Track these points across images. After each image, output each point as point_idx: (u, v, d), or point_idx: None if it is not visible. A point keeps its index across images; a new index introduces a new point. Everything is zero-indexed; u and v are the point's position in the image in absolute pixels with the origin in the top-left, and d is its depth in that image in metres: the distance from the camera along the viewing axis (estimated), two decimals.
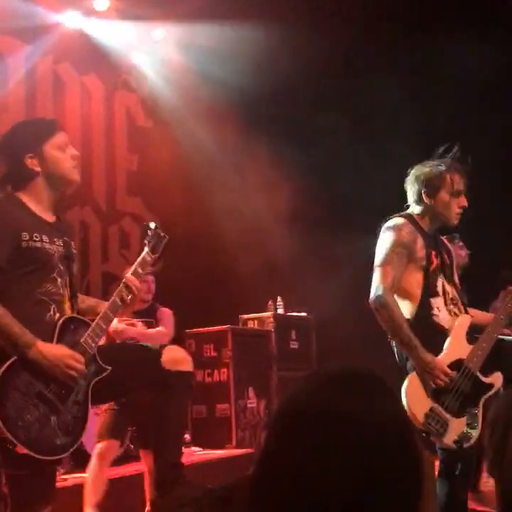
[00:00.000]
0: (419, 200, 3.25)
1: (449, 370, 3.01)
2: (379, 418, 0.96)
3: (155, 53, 8.29)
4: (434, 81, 7.35)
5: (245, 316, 7.11)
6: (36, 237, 2.66)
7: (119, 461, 5.56)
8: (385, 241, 3.17)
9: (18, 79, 6.90)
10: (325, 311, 7.26)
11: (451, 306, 3.19)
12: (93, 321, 2.75)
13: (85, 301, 3.02)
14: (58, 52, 7.29)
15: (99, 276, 7.43)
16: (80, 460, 5.30)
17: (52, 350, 2.54)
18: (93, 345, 2.68)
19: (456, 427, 3.01)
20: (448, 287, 3.22)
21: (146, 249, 2.95)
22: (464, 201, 3.23)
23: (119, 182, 7.90)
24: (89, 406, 2.69)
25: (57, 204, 2.86)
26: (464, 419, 3.04)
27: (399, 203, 3.39)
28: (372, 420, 0.95)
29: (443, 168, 3.21)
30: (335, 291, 7.29)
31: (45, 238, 2.69)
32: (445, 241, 3.43)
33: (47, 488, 2.65)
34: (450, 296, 3.20)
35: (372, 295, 3.10)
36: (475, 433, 3.06)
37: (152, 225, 3.04)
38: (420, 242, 3.17)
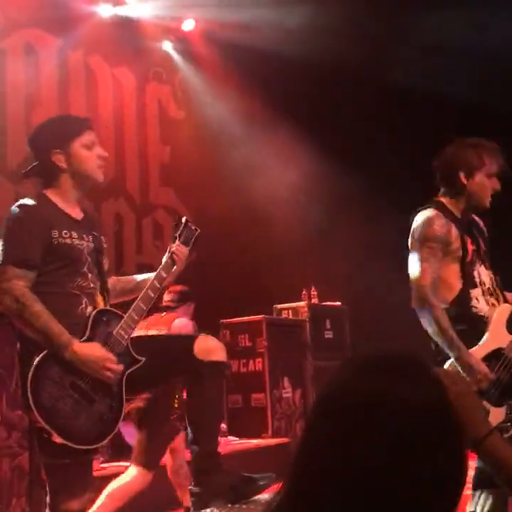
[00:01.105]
0: (453, 183, 3.18)
1: (490, 374, 2.97)
2: (422, 404, 0.94)
3: (185, 44, 8.30)
4: None
5: (280, 306, 7.11)
6: (66, 233, 2.70)
7: None
8: (418, 237, 3.11)
9: (50, 72, 6.96)
10: (359, 301, 7.23)
11: (488, 297, 3.14)
12: (125, 312, 2.76)
13: (118, 283, 3.04)
14: (89, 45, 7.33)
15: (133, 267, 7.47)
16: (119, 450, 5.37)
17: (88, 352, 2.56)
18: (126, 336, 2.69)
19: (495, 417, 2.98)
20: (484, 276, 3.16)
21: (177, 241, 2.96)
22: (496, 184, 3.16)
23: (152, 174, 7.93)
24: (124, 397, 2.69)
25: (83, 201, 2.91)
26: (502, 409, 3.01)
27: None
28: (415, 406, 0.93)
29: (479, 148, 3.14)
30: (369, 280, 7.25)
31: (74, 234, 2.72)
32: (478, 220, 3.34)
33: (84, 477, 2.68)
34: (487, 286, 3.15)
35: (414, 296, 3.05)
36: None
37: (183, 219, 3.06)
38: (454, 233, 3.10)
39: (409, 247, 3.14)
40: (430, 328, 3.00)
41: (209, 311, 6.78)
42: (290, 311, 7.08)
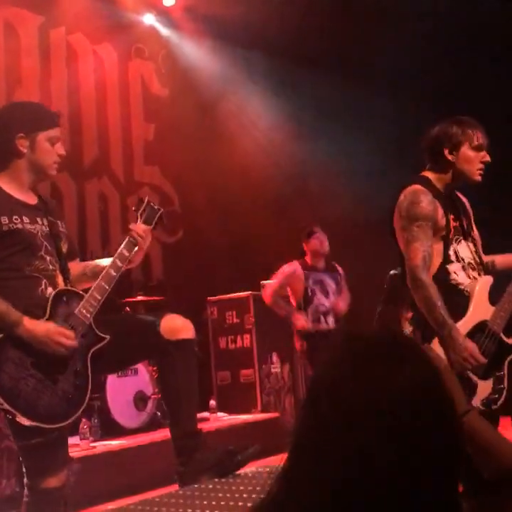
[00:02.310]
0: (439, 158, 3.19)
1: (480, 356, 2.99)
2: (421, 386, 0.94)
3: (167, 19, 8.21)
4: None
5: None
6: (16, 219, 2.72)
7: (146, 428, 5.66)
8: (406, 214, 3.11)
9: (30, 50, 6.87)
10: (348, 273, 7.25)
11: (470, 271, 3.16)
12: (87, 291, 2.80)
13: (87, 267, 3.05)
14: (70, 22, 7.24)
15: None
16: (109, 429, 5.42)
17: (39, 327, 2.59)
18: (88, 315, 2.72)
19: (483, 389, 3.01)
20: (466, 252, 3.17)
21: (138, 221, 2.98)
22: (486, 156, 3.17)
23: (136, 152, 7.89)
24: (89, 374, 2.73)
25: (36, 187, 2.92)
26: (490, 382, 3.04)
27: None
28: (414, 388, 0.94)
29: (461, 123, 3.15)
30: (358, 254, 7.26)
31: (25, 219, 2.74)
32: (462, 197, 3.35)
33: (57, 454, 2.72)
34: (467, 261, 3.16)
35: (407, 276, 3.06)
36: (501, 395, 3.06)
37: (146, 198, 3.09)
38: (440, 211, 3.11)
39: (395, 223, 3.14)
40: (424, 307, 3.02)
41: (196, 288, 6.83)
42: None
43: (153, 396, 5.78)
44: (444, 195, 3.16)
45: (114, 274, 2.82)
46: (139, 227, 2.94)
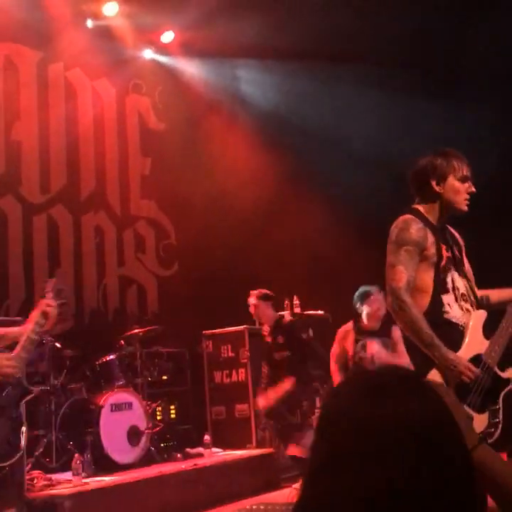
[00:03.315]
0: (426, 191, 3.23)
1: (473, 367, 2.99)
2: (432, 422, 0.95)
3: (164, 56, 8.34)
4: None
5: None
6: None
7: (140, 464, 5.60)
8: (395, 239, 3.15)
9: (29, 86, 6.95)
10: (343, 310, 7.24)
11: (462, 302, 3.17)
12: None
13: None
14: (69, 58, 7.34)
15: (116, 280, 7.47)
16: (103, 464, 5.36)
17: None
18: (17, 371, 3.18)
19: (479, 423, 3.00)
20: (459, 282, 3.19)
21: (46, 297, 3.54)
22: (472, 187, 3.21)
23: (133, 186, 7.94)
24: (24, 421, 3.15)
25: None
26: (486, 415, 3.03)
27: None
28: (426, 424, 0.94)
29: (446, 155, 3.20)
30: (353, 289, 7.27)
31: None
32: (453, 230, 3.39)
33: (6, 490, 2.90)
34: (461, 292, 3.17)
35: (389, 297, 3.07)
36: (497, 429, 3.04)
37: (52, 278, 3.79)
38: (430, 239, 3.15)
39: (387, 249, 3.18)
40: (408, 329, 3.02)
41: (191, 321, 6.81)
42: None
43: (147, 431, 5.74)
44: (435, 226, 3.19)
45: (36, 337, 3.37)
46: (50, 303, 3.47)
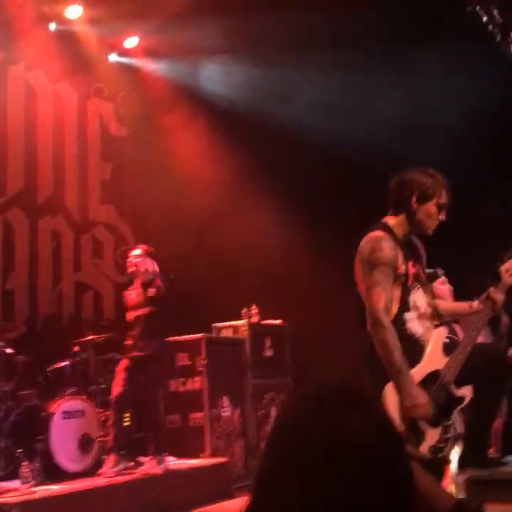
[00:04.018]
0: (403, 205, 3.23)
1: (428, 409, 3.01)
2: (375, 433, 0.96)
3: (128, 62, 8.30)
4: None
5: (219, 325, 7.09)
6: None
7: (90, 472, 5.52)
8: (368, 259, 3.14)
9: None
10: (301, 319, 7.27)
11: (424, 320, 3.20)
12: None
13: None
14: (30, 59, 7.25)
15: (71, 285, 7.38)
16: (52, 472, 5.26)
17: None
18: None
19: (431, 437, 3.03)
20: (421, 300, 3.21)
21: None
22: (443, 215, 3.24)
23: (92, 191, 7.86)
24: None
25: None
26: (438, 430, 3.06)
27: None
28: (368, 435, 0.95)
29: (436, 179, 3.23)
30: (311, 300, 7.31)
31: None
32: (414, 240, 3.40)
33: None
34: (422, 310, 3.20)
35: (369, 318, 3.08)
36: (448, 444, 3.08)
37: None
38: (400, 258, 3.16)
39: (356, 269, 3.17)
40: (381, 351, 3.03)
41: (168, 331, 6.72)
42: (230, 330, 7.07)
43: (98, 439, 5.65)
44: (403, 241, 3.21)
45: None
46: None
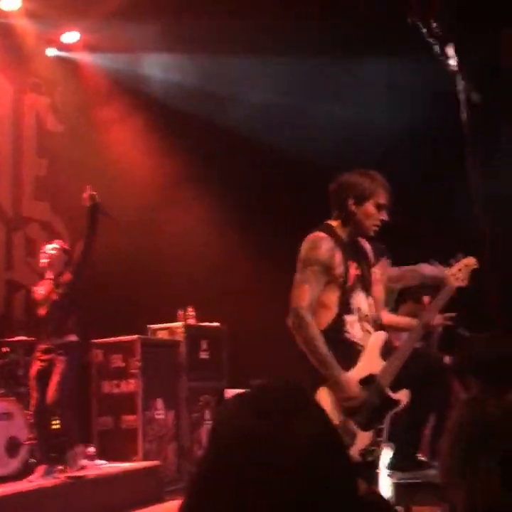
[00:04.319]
0: (342, 208, 3.27)
1: (359, 394, 3.04)
2: (313, 437, 0.96)
3: (67, 57, 8.14)
4: None
5: (154, 326, 7.02)
6: None
7: (17, 476, 5.37)
8: (303, 258, 3.18)
9: None
10: (239, 321, 7.26)
11: (365, 323, 3.23)
12: None
13: None
14: None
15: (2, 284, 7.17)
16: None
17: None
18: None
19: (362, 440, 3.06)
20: (363, 303, 3.24)
21: None
22: (384, 215, 3.28)
23: (26, 187, 7.66)
24: None
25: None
26: (370, 434, 3.09)
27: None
28: (306, 440, 0.95)
29: (373, 180, 3.26)
30: (249, 301, 7.30)
31: None
32: (363, 242, 3.43)
33: None
34: (363, 312, 3.23)
35: (290, 315, 3.10)
36: (379, 447, 3.13)
37: None
38: (338, 258, 3.18)
39: (296, 265, 3.21)
40: (305, 347, 3.05)
41: (81, 330, 6.60)
42: (166, 332, 7.01)
43: (27, 442, 5.50)
44: (346, 242, 3.23)
45: None
46: None
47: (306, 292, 3.09)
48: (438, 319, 3.40)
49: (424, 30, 4.00)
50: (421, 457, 3.64)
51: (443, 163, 6.64)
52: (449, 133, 5.91)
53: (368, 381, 3.10)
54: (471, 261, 3.47)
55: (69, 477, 5.31)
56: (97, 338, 6.59)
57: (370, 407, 3.06)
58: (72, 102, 8.09)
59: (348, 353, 3.12)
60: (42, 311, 5.65)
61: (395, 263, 3.72)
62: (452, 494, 1.22)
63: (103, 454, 6.12)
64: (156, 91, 7.92)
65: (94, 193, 5.39)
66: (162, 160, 7.81)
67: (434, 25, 3.81)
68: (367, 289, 3.27)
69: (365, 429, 3.07)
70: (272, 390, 1.02)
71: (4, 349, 5.92)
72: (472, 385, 2.03)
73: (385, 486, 3.56)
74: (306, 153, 6.98)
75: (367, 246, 3.41)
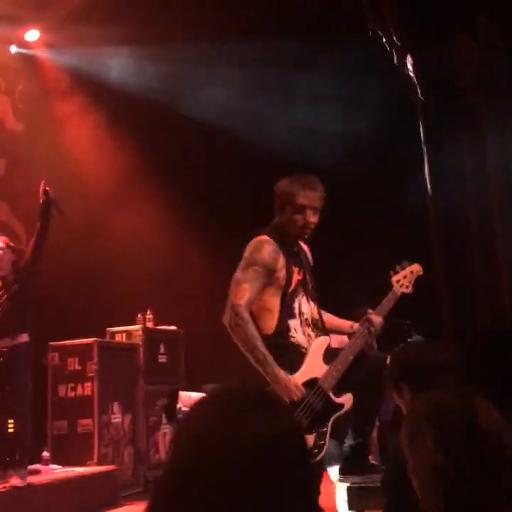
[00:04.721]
0: (278, 212, 3.34)
1: (301, 386, 3.07)
2: (278, 436, 0.96)
3: (28, 54, 8.03)
4: None
5: (113, 329, 6.95)
6: None
7: None
8: (246, 258, 3.20)
9: None
10: (193, 324, 7.24)
11: (306, 328, 3.25)
12: None
13: None
14: None
15: None
16: None
17: None
18: None
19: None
20: (305, 307, 3.26)
21: None
22: (310, 217, 3.28)
23: None
24: None
25: None
26: (312, 436, 3.12)
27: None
28: (271, 438, 0.96)
29: (295, 184, 3.29)
30: (207, 304, 7.29)
31: None
32: (302, 245, 3.45)
33: None
34: (306, 317, 3.25)
35: (227, 313, 3.12)
36: (321, 451, 3.15)
37: None
38: (281, 262, 3.21)
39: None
40: (244, 346, 3.07)
41: (37, 332, 6.52)
42: (124, 335, 6.95)
43: None
44: (288, 247, 3.26)
45: None
46: None
47: (245, 291, 3.12)
48: (379, 324, 3.40)
49: (384, 40, 4.07)
50: (372, 460, 3.68)
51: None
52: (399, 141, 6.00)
53: (310, 384, 3.13)
54: (416, 267, 3.48)
55: (14, 487, 5.12)
56: (53, 341, 6.50)
57: (311, 410, 3.09)
58: (32, 100, 7.99)
59: (294, 357, 3.16)
60: None
61: (353, 268, 3.76)
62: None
63: (58, 458, 6.04)
64: (117, 87, 7.85)
65: (48, 188, 5.29)
66: (118, 158, 7.74)
67: (394, 35, 3.87)
68: (309, 293, 3.30)
69: (307, 431, 3.10)
70: (232, 391, 1.03)
71: None
72: (404, 391, 2.11)
73: (339, 491, 3.58)
74: (261, 154, 7.00)
75: (308, 251, 3.45)
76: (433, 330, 5.38)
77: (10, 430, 5.46)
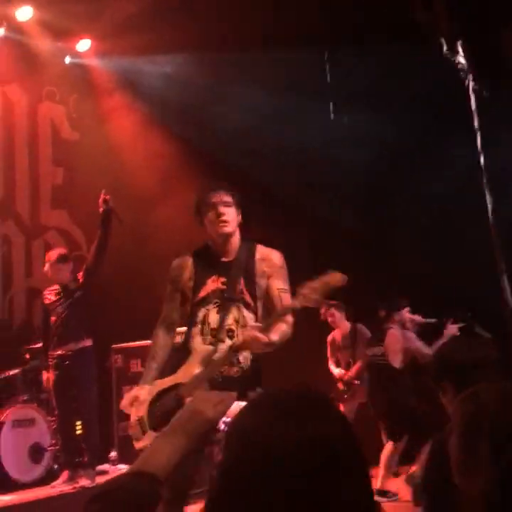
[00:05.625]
0: (202, 225, 3.40)
1: (133, 397, 3.24)
2: (336, 439, 0.98)
3: (81, 64, 8.20)
4: None
5: (178, 329, 7.04)
6: None
7: (41, 482, 5.43)
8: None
9: None
10: None
11: (209, 336, 3.24)
12: None
13: None
14: None
15: (23, 291, 7.25)
16: (3, 484, 5.17)
17: None
18: None
19: (149, 438, 3.16)
20: (213, 317, 3.23)
21: None
22: (219, 210, 3.27)
23: (43, 195, 7.74)
24: None
25: None
26: (155, 434, 3.20)
27: None
28: (329, 441, 0.97)
29: (199, 191, 3.39)
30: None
31: None
32: (264, 252, 3.37)
33: None
34: (211, 326, 3.23)
35: None
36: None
37: None
38: (188, 274, 3.28)
39: None
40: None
41: (101, 335, 6.69)
42: (183, 336, 7.02)
43: (50, 448, 5.56)
44: (213, 257, 3.28)
45: None
46: None
47: (162, 310, 3.35)
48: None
49: (431, 27, 4.00)
50: None
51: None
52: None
53: (171, 389, 3.21)
54: (335, 277, 2.99)
55: (83, 487, 5.28)
56: (116, 344, 6.63)
57: (163, 411, 3.14)
58: (87, 109, 8.16)
59: (182, 361, 3.26)
60: (52, 318, 5.69)
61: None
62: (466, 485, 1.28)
63: (125, 458, 6.15)
64: (175, 96, 7.94)
65: (108, 197, 5.41)
66: (172, 164, 7.83)
67: (443, 23, 3.80)
68: (235, 301, 3.23)
69: (153, 429, 3.18)
70: (290, 394, 1.04)
71: (26, 356, 5.99)
72: (447, 389, 2.11)
73: None
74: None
75: (245, 261, 3.34)
76: (495, 324, 5.31)
77: (78, 432, 5.61)
